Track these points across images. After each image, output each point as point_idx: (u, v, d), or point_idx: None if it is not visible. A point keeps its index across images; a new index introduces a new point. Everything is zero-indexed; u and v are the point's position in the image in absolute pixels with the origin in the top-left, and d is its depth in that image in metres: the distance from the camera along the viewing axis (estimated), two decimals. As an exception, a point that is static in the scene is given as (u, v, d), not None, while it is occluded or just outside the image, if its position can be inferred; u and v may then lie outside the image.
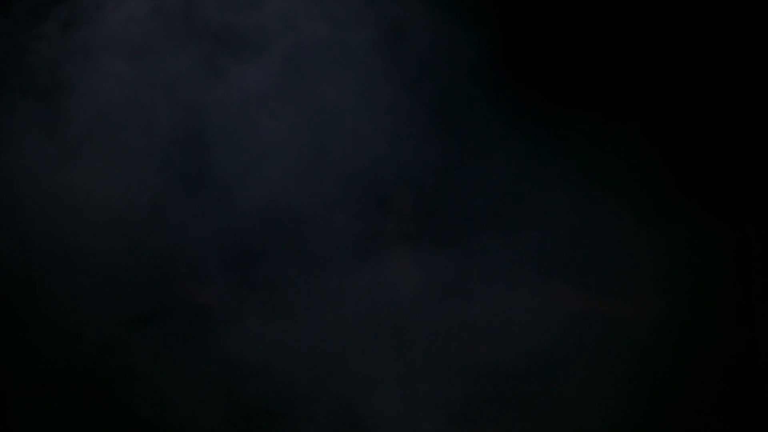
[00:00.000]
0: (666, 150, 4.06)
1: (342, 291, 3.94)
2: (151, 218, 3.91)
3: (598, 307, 3.98)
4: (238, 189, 3.93)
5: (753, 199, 4.10)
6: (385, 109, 4.00)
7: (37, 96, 3.91)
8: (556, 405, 3.91)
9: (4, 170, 3.89)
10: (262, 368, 3.87)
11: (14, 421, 3.82)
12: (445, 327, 3.96)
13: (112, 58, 3.93)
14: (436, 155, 4.03)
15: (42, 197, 3.87)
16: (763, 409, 4.00)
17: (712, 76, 4.11)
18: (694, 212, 4.03)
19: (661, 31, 4.11)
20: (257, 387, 3.87)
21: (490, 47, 4.05)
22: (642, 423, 3.93)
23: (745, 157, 4.11)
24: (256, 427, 3.89)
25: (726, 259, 4.07)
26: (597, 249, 4.00)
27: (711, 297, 4.02)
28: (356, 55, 4.00)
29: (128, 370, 3.86)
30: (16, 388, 3.84)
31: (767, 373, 4.03)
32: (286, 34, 3.99)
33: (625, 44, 4.11)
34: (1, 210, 3.88)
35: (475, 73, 4.06)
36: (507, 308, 3.95)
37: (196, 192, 3.94)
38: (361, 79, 3.99)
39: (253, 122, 3.97)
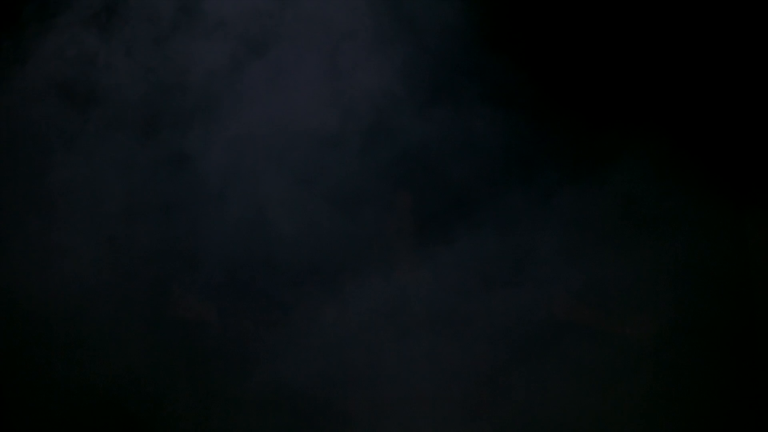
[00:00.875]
0: (674, 157, 4.06)
1: (345, 294, 3.96)
2: (142, 232, 3.93)
3: (595, 321, 4.00)
4: (233, 195, 3.92)
5: (759, 208, 4.11)
6: (382, 107, 3.97)
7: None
8: (549, 411, 3.97)
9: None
10: (272, 373, 3.91)
11: None
12: (449, 328, 3.99)
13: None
14: (436, 155, 4.01)
15: (41, 215, 3.90)
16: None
17: (713, 78, 4.11)
18: (700, 226, 4.05)
19: (654, 34, 4.09)
20: (268, 391, 3.91)
21: (491, 41, 4.02)
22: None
23: (751, 167, 4.12)
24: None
25: (732, 278, 4.09)
26: (601, 263, 3.99)
27: (714, 321, 4.04)
28: (350, 47, 3.96)
29: (133, 385, 3.90)
30: (38, 415, 3.90)
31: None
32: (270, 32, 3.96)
33: (621, 42, 4.09)
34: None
35: (477, 69, 4.02)
36: (506, 311, 3.97)
37: (190, 205, 3.94)
38: (355, 72, 3.96)
39: (245, 125, 3.94)
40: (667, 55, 4.09)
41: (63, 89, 3.91)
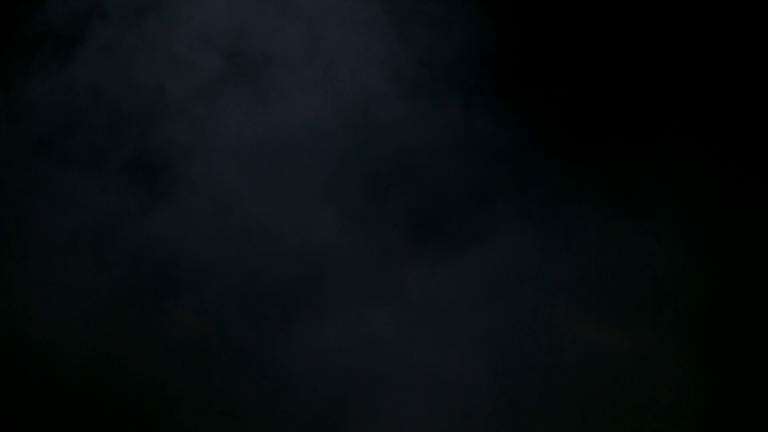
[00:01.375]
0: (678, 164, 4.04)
1: (345, 297, 3.93)
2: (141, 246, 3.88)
3: (596, 332, 3.98)
4: (224, 202, 3.88)
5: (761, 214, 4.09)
6: (376, 105, 3.93)
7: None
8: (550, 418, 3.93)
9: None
10: (271, 377, 3.88)
11: None
12: (451, 331, 3.95)
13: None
14: (437, 157, 3.98)
15: (41, 230, 3.86)
16: None
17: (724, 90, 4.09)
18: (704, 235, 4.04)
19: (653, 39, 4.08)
20: (268, 395, 3.88)
21: (487, 38, 3.99)
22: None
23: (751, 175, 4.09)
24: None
25: (735, 288, 4.07)
26: (605, 276, 3.98)
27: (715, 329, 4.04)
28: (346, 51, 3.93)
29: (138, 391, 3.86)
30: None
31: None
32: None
33: (627, 47, 4.08)
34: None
35: (476, 67, 3.99)
36: (509, 321, 3.93)
37: (180, 214, 3.88)
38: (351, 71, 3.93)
39: (231, 126, 3.88)
40: (664, 56, 4.09)
41: (36, 107, 3.88)
